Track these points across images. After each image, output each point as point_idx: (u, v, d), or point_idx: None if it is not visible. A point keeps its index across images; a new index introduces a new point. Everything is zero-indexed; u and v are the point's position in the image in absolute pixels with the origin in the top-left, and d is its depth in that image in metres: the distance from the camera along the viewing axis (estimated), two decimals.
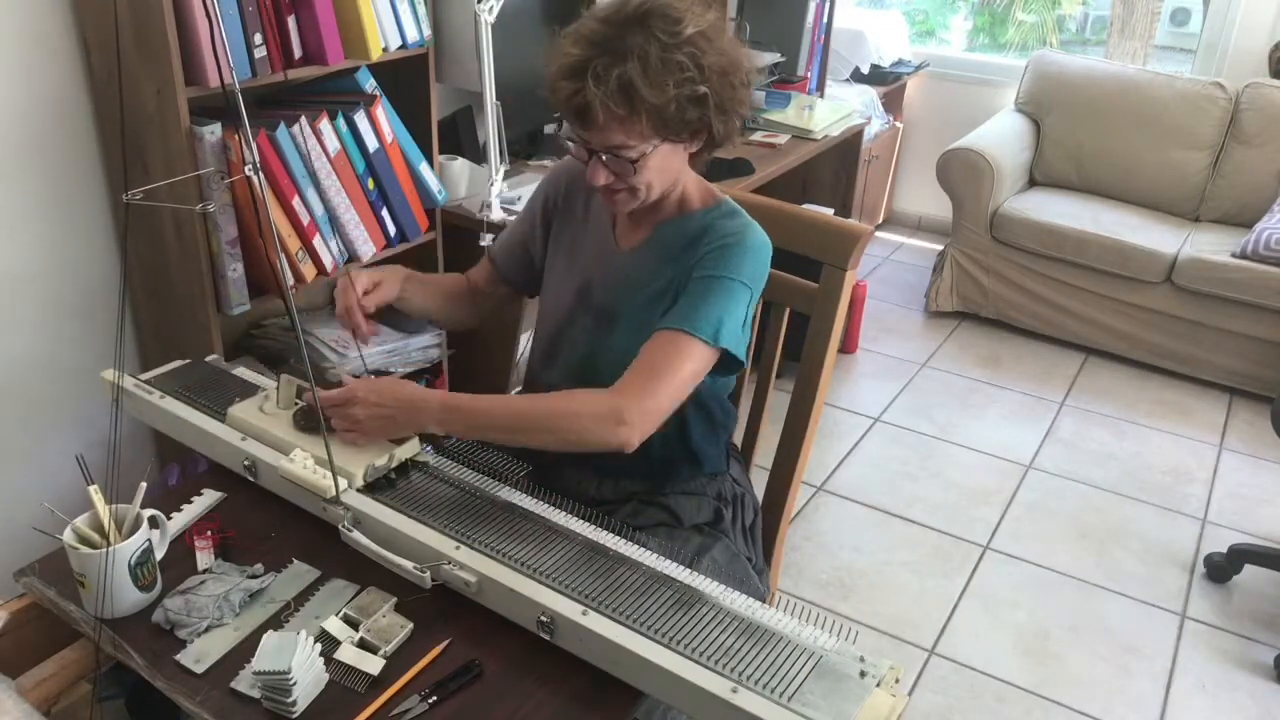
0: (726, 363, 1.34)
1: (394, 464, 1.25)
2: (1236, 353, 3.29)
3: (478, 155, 2.50)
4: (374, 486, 1.23)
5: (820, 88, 3.67)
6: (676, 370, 1.26)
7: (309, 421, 1.29)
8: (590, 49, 1.22)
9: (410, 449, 1.27)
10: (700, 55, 1.23)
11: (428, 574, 1.11)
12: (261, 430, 1.29)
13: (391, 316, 2.30)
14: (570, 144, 1.33)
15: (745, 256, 1.33)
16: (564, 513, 1.21)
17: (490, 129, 2.20)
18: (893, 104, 4.23)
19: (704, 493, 1.47)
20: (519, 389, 1.79)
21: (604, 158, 1.28)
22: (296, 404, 1.33)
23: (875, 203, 4.33)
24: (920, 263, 4.24)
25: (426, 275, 1.60)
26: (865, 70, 4.06)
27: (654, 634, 1.02)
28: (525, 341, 2.33)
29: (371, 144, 2.03)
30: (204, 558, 1.19)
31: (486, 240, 2.14)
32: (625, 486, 1.46)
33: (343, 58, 1.93)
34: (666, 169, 1.32)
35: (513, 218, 2.24)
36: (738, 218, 1.38)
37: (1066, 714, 2.07)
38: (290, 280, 1.94)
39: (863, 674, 0.98)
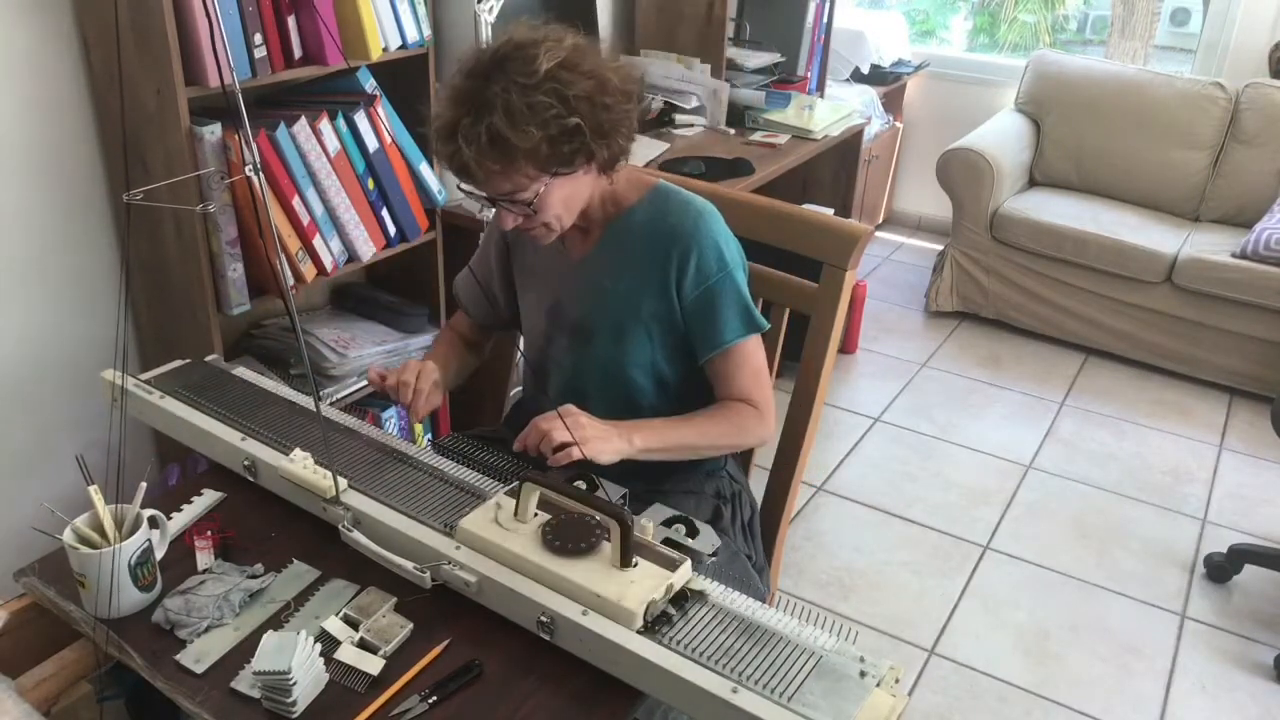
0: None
1: (671, 595, 1.08)
2: (1236, 353, 3.29)
3: None
4: (654, 626, 1.04)
5: (820, 88, 3.67)
6: (762, 366, 1.44)
7: (564, 540, 1.10)
8: (457, 108, 1.23)
9: (684, 575, 1.09)
10: (563, 88, 1.22)
11: (428, 574, 1.11)
12: (502, 550, 1.10)
13: (389, 315, 2.31)
14: (469, 194, 1.33)
15: (717, 242, 1.38)
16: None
17: None
18: (893, 104, 4.23)
19: (702, 490, 1.47)
20: (518, 390, 1.80)
21: (502, 203, 1.29)
22: (537, 515, 1.14)
23: (875, 203, 4.33)
24: (920, 263, 4.24)
25: (437, 354, 1.57)
26: (865, 70, 4.06)
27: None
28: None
29: (371, 144, 2.03)
30: (204, 558, 1.19)
31: None
32: (624, 484, 1.46)
33: (343, 58, 1.93)
34: (571, 197, 1.32)
35: None
36: (674, 198, 1.40)
37: (1066, 714, 2.07)
38: (290, 280, 1.94)
39: (863, 674, 0.98)
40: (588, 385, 1.46)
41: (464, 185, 1.31)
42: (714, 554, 1.16)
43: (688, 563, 1.09)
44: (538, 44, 1.24)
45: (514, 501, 1.14)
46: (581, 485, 1.22)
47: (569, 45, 1.25)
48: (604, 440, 1.26)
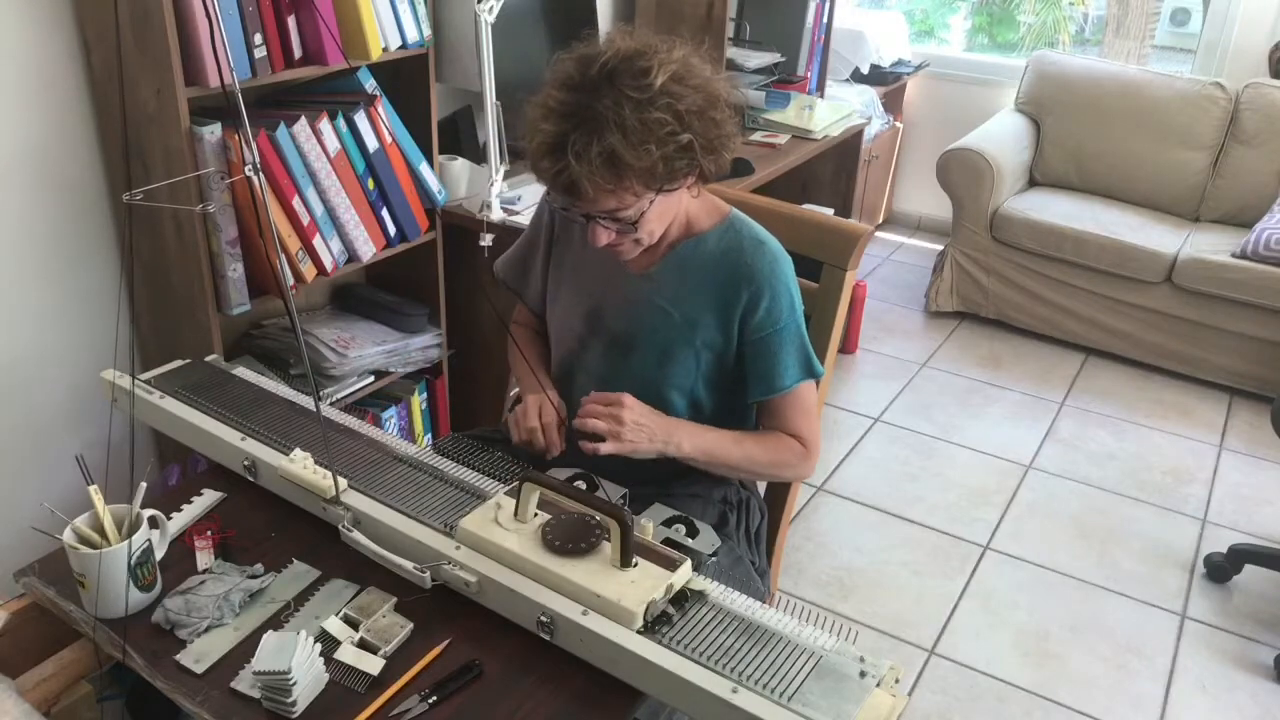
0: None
1: (671, 595, 1.08)
2: (1236, 353, 3.29)
3: (478, 155, 2.50)
4: (654, 626, 1.04)
5: (820, 88, 3.67)
6: (813, 407, 1.44)
7: (564, 540, 1.10)
8: (564, 122, 1.18)
9: (684, 575, 1.10)
10: (676, 102, 1.19)
11: (428, 574, 1.11)
12: (502, 550, 1.10)
13: (389, 315, 2.31)
14: (564, 211, 1.30)
15: (790, 288, 1.38)
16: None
17: (490, 129, 2.20)
18: (893, 104, 4.23)
19: (709, 495, 1.47)
20: (519, 389, 1.79)
21: (602, 220, 1.26)
22: (537, 515, 1.14)
23: (875, 203, 4.33)
24: (920, 263, 4.24)
25: (525, 356, 1.55)
26: (865, 70, 4.06)
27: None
28: None
29: (371, 144, 2.03)
30: (204, 558, 1.19)
31: (486, 240, 2.14)
32: (633, 489, 1.46)
33: (343, 58, 1.93)
34: (666, 212, 1.31)
35: (513, 219, 2.24)
36: (747, 234, 1.39)
37: (1066, 714, 2.07)
38: (290, 280, 1.94)
39: (863, 674, 0.98)
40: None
41: (558, 203, 1.27)
42: (714, 554, 1.16)
43: (688, 563, 1.09)
44: (648, 55, 1.19)
45: (514, 501, 1.14)
46: (581, 485, 1.22)
47: (679, 57, 1.22)
48: (647, 440, 1.30)
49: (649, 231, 1.30)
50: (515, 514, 1.13)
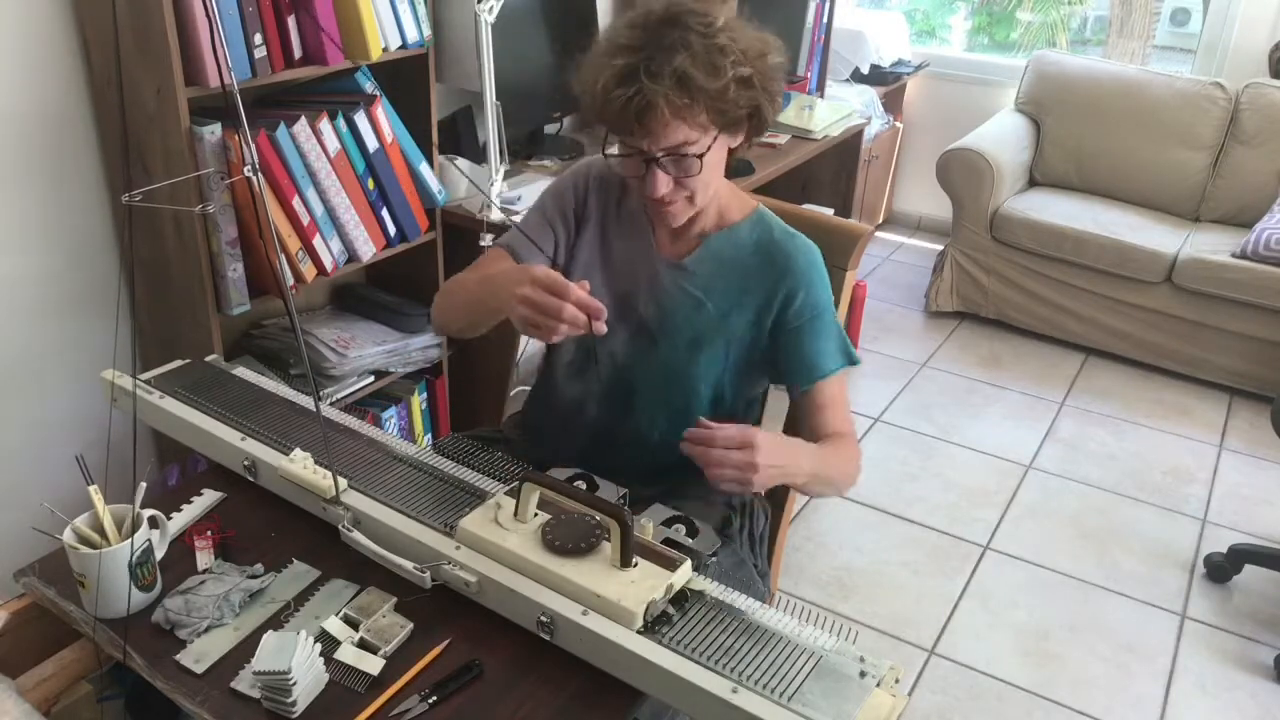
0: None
1: (671, 595, 1.07)
2: (1236, 353, 3.29)
3: (478, 155, 2.50)
4: (654, 626, 1.03)
5: (820, 88, 3.67)
6: (848, 402, 1.44)
7: (564, 540, 1.09)
8: (635, 54, 1.22)
9: (684, 575, 1.09)
10: (737, 41, 1.25)
11: (428, 574, 1.11)
12: (502, 550, 1.09)
13: (389, 315, 2.31)
14: (623, 160, 1.29)
15: (826, 281, 1.41)
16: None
17: (490, 129, 2.20)
18: (893, 104, 4.23)
19: (713, 498, 1.46)
20: (522, 388, 1.79)
21: (663, 161, 1.26)
22: (537, 515, 1.13)
23: (875, 203, 4.33)
24: (920, 263, 4.24)
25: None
26: (865, 70, 4.06)
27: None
28: (525, 342, 2.33)
29: (371, 144, 2.03)
30: (204, 558, 1.19)
31: (486, 241, 2.14)
32: (638, 490, 1.45)
33: (343, 58, 1.93)
34: (718, 165, 1.34)
35: (513, 219, 2.24)
36: (778, 228, 1.43)
37: (1066, 714, 2.07)
38: (290, 280, 1.94)
39: (863, 674, 0.98)
40: (640, 383, 1.44)
41: (623, 149, 1.28)
42: (714, 554, 1.16)
43: (688, 563, 1.09)
44: (705, 4, 1.26)
45: (514, 501, 1.14)
46: (582, 485, 1.22)
47: (730, 9, 1.30)
48: (780, 478, 1.23)
49: (704, 183, 1.31)
50: (515, 514, 1.13)
